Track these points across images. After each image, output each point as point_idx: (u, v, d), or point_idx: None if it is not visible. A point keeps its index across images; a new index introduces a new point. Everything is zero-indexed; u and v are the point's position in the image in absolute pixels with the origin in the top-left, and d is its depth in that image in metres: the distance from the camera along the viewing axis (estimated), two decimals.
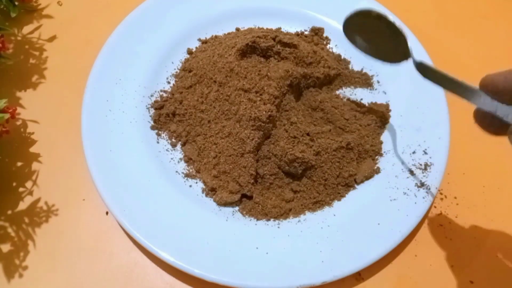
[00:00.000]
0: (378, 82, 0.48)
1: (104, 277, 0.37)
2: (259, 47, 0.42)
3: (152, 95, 0.45)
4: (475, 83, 0.30)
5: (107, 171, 0.39)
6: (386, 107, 0.46)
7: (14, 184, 0.41)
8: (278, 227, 0.38)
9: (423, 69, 0.34)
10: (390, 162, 0.42)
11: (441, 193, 0.43)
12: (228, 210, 0.39)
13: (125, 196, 0.38)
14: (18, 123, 0.44)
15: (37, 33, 0.51)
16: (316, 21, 0.51)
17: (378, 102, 0.46)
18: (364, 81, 0.48)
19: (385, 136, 0.44)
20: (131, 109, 0.43)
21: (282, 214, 0.39)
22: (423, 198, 0.39)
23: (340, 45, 0.50)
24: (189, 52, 0.48)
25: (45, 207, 0.40)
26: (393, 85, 0.46)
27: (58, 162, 0.43)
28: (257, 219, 0.39)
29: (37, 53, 0.49)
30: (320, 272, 0.35)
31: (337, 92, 0.47)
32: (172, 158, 0.42)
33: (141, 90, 0.44)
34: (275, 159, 0.40)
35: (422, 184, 0.40)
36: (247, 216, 0.39)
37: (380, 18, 0.36)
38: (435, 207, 0.43)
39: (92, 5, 0.53)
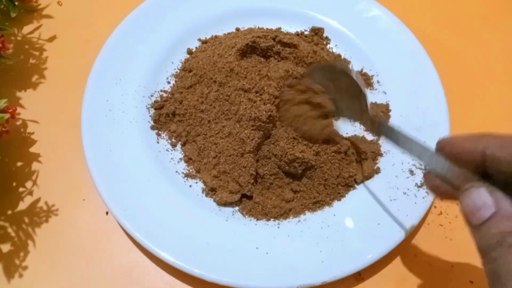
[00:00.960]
0: (378, 82, 0.48)
1: (104, 277, 0.37)
2: (259, 47, 0.43)
3: (152, 95, 0.45)
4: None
5: (107, 171, 0.39)
6: (386, 107, 0.45)
7: (14, 184, 0.41)
8: (278, 227, 0.38)
9: (379, 127, 0.35)
10: (390, 162, 0.42)
11: None
12: (228, 210, 0.39)
13: (125, 196, 0.38)
14: (18, 123, 0.44)
15: (37, 33, 0.51)
16: (316, 21, 0.51)
17: (378, 102, 0.46)
18: (364, 81, 0.48)
19: None
20: (131, 109, 0.43)
21: (282, 214, 0.39)
22: (423, 198, 0.39)
23: (340, 45, 0.50)
24: (189, 52, 0.48)
25: (45, 207, 0.40)
26: (393, 85, 0.46)
27: (58, 162, 0.43)
28: (257, 219, 0.39)
29: (37, 53, 0.49)
30: (320, 272, 0.35)
31: None
32: (172, 158, 0.42)
33: (141, 90, 0.44)
34: (275, 159, 0.40)
35: (422, 184, 0.40)
36: (247, 216, 0.39)
37: (343, 73, 0.38)
38: (435, 207, 0.43)
39: (92, 5, 0.53)
